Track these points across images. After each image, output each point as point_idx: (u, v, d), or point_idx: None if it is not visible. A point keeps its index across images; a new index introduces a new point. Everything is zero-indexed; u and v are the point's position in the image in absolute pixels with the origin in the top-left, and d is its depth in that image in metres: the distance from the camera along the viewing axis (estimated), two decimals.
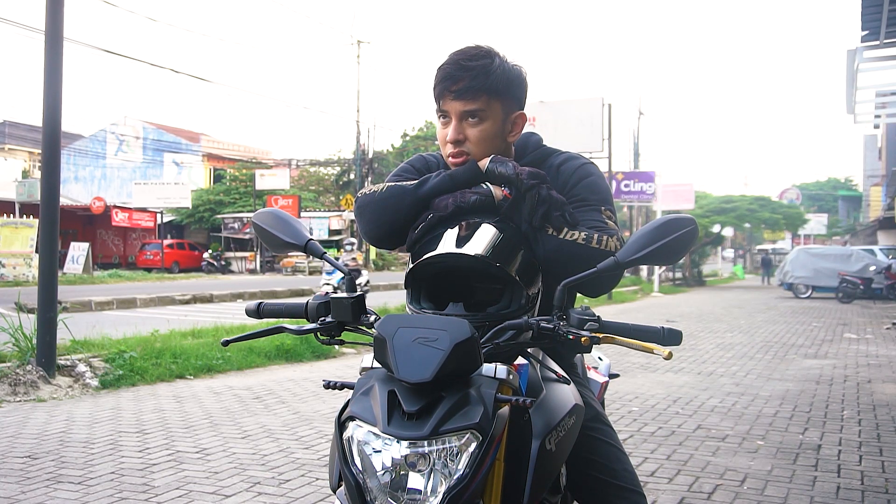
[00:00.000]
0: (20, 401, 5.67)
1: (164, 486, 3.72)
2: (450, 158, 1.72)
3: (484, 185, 1.63)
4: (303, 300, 1.66)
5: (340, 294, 1.58)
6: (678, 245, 1.49)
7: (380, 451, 1.25)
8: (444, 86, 1.67)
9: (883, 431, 5.09)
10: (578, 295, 1.82)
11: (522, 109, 1.76)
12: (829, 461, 4.31)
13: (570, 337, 1.41)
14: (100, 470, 3.97)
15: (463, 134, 1.68)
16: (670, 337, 1.41)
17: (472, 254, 1.48)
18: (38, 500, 3.49)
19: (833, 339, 11.18)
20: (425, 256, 1.53)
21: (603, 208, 1.70)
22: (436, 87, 1.69)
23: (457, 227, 1.55)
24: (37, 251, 12.53)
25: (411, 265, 1.57)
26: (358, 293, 1.58)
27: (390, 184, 1.74)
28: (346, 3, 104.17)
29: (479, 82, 1.64)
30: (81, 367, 6.40)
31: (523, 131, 1.83)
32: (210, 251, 33.12)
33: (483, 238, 1.51)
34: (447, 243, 1.52)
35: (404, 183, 1.71)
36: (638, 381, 7.00)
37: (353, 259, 16.29)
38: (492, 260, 1.48)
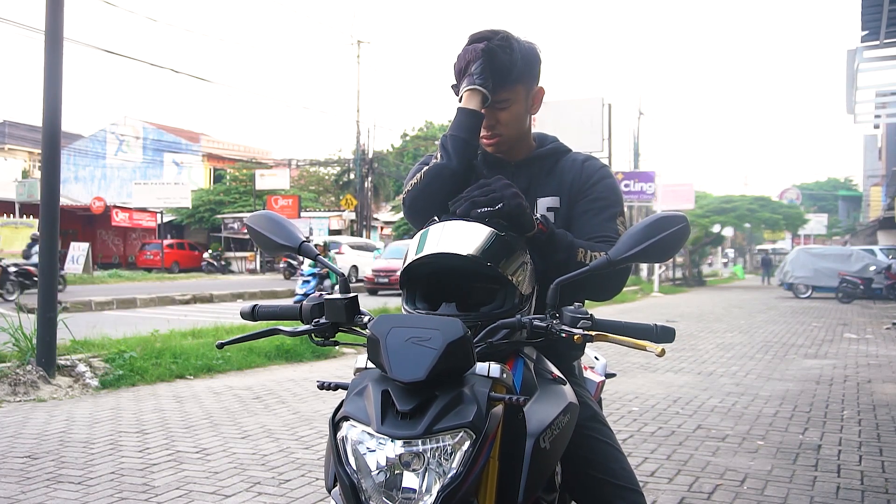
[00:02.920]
0: (20, 401, 5.67)
1: (164, 486, 3.72)
2: (483, 140, 1.87)
3: (500, 204, 1.58)
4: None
5: (334, 295, 1.58)
6: (670, 242, 1.50)
7: (374, 451, 1.25)
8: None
9: (883, 431, 5.08)
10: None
11: (539, 83, 1.89)
12: (829, 461, 4.31)
13: (563, 335, 1.41)
14: (100, 470, 3.97)
15: (494, 119, 1.82)
16: (663, 334, 1.42)
17: (464, 253, 1.48)
18: (38, 500, 3.50)
19: (833, 339, 11.18)
20: (416, 256, 1.53)
21: (619, 218, 1.83)
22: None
23: (451, 226, 1.55)
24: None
25: (405, 264, 1.57)
26: (352, 294, 1.58)
27: (424, 170, 1.81)
28: (346, 3, 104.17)
29: (501, 72, 1.77)
30: (81, 367, 6.40)
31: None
32: (210, 251, 33.13)
33: (475, 238, 1.51)
34: (440, 243, 1.52)
35: (433, 163, 1.81)
36: (638, 381, 6.99)
37: None
38: (483, 260, 1.48)
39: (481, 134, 1.84)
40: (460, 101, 1.79)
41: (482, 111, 1.77)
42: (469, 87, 1.75)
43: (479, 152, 1.91)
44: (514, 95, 1.81)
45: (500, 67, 1.75)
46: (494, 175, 1.69)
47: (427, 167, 1.80)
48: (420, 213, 1.79)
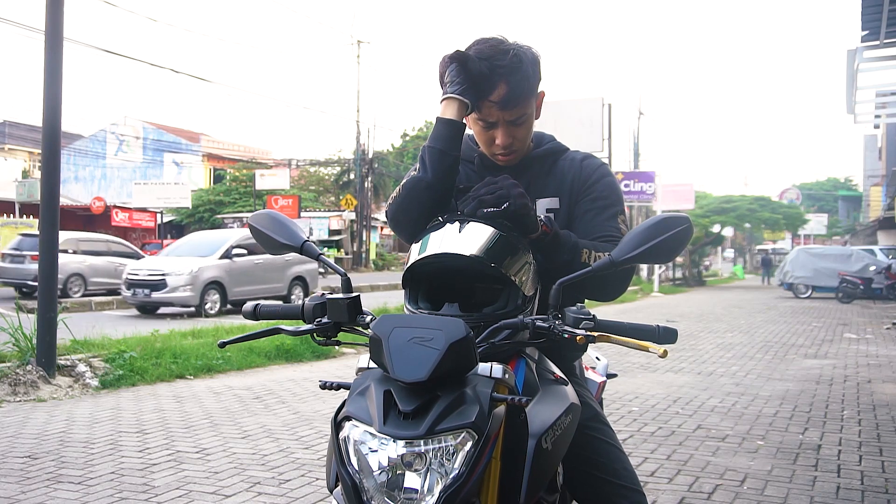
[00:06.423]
0: (20, 401, 5.67)
1: (164, 486, 3.72)
2: (499, 157, 1.84)
3: (506, 204, 1.57)
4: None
5: (336, 295, 1.58)
6: (673, 243, 1.50)
7: (376, 451, 1.25)
8: (481, 93, 1.73)
9: (883, 431, 5.09)
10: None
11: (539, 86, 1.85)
12: (829, 461, 4.31)
13: (566, 336, 1.41)
14: (100, 470, 3.97)
15: (512, 136, 1.80)
16: (665, 335, 1.42)
17: (468, 254, 1.48)
18: (38, 500, 3.50)
19: (833, 339, 11.18)
20: (420, 256, 1.53)
21: (620, 217, 1.81)
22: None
23: (454, 226, 1.55)
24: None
25: (408, 264, 1.57)
26: (354, 294, 1.58)
27: (403, 182, 1.79)
28: (346, 3, 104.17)
29: (519, 90, 1.72)
30: (81, 367, 6.40)
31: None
32: None
33: (479, 238, 1.51)
34: (443, 243, 1.52)
35: (411, 175, 1.77)
36: (638, 381, 7.00)
37: None
38: (486, 260, 1.48)
39: (498, 152, 1.82)
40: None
41: (463, 120, 1.73)
42: (445, 97, 1.72)
43: (475, 155, 1.90)
44: (528, 110, 1.79)
45: (477, 74, 1.69)
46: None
47: (405, 180, 1.77)
48: (402, 226, 1.78)
